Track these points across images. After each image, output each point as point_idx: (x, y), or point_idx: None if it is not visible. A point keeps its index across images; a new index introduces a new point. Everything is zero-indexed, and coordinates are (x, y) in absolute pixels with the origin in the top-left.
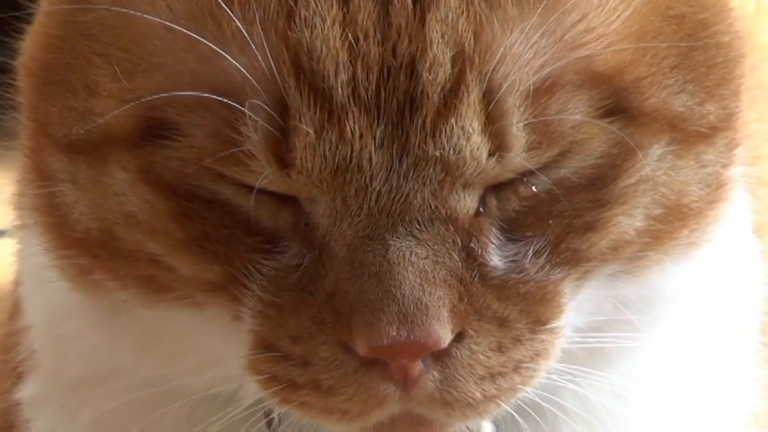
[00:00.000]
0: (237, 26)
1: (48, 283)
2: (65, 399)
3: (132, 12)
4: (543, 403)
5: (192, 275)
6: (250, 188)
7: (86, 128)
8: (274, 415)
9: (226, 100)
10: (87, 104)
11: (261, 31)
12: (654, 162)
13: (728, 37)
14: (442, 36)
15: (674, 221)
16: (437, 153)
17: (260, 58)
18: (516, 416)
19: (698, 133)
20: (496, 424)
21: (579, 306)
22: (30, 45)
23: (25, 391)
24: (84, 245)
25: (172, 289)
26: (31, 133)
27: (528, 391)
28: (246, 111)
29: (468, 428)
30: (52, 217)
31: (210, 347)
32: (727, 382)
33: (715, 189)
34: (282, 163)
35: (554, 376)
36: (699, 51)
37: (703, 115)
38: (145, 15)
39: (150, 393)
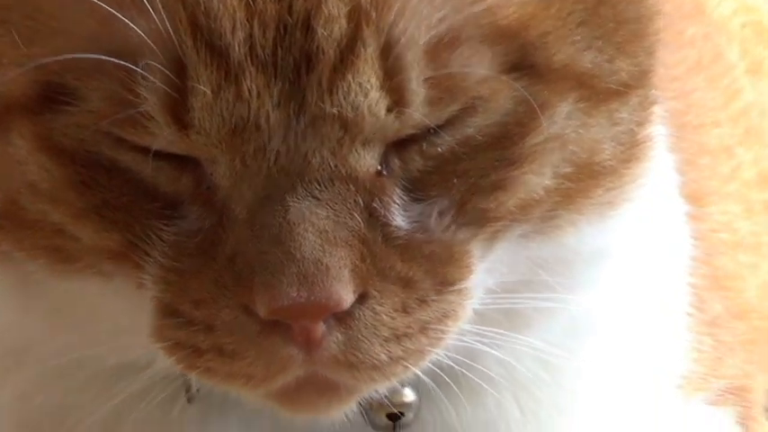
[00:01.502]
0: None
1: None
2: None
3: None
4: (465, 372)
5: (93, 244)
6: (149, 153)
7: None
8: (192, 384)
9: (122, 62)
10: None
11: None
12: (562, 120)
13: None
14: None
15: (585, 180)
16: (334, 110)
17: (156, 19)
18: (437, 389)
19: (609, 90)
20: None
21: (491, 267)
22: None
23: None
24: None
25: (77, 259)
26: None
27: (439, 354)
28: (143, 72)
29: (391, 398)
30: None
31: (121, 317)
32: (655, 345)
33: (630, 148)
34: (180, 123)
35: (468, 339)
36: (606, 6)
37: (614, 72)
38: None
39: (67, 363)
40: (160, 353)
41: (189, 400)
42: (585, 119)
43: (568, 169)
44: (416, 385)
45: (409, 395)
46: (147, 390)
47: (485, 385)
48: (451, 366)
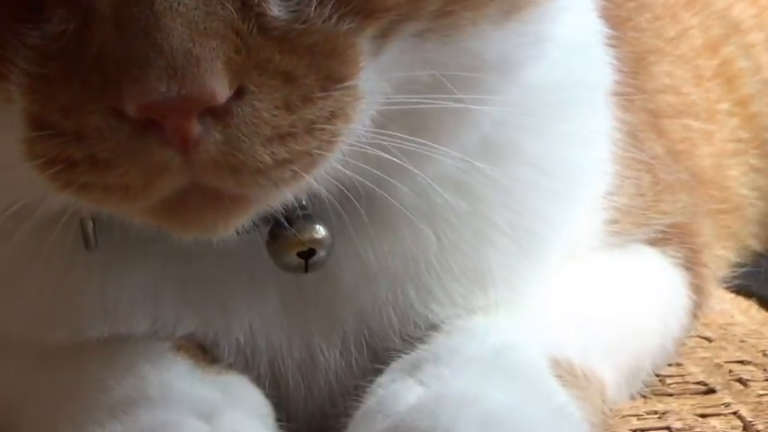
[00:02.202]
0: None
1: None
2: None
3: None
4: (378, 201)
5: None
6: None
7: None
8: (87, 228)
9: None
10: None
11: None
12: None
13: None
14: None
15: None
16: None
17: None
18: (350, 223)
19: None
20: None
21: (385, 69)
22: None
23: None
24: None
25: None
26: None
27: (327, 156)
28: None
29: (301, 235)
30: None
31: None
32: (577, 172)
33: None
34: None
35: (369, 148)
36: None
37: None
38: None
39: None
40: (44, 192)
41: (87, 247)
42: None
43: None
44: (327, 220)
45: (320, 231)
46: (42, 237)
47: (399, 217)
48: (360, 193)
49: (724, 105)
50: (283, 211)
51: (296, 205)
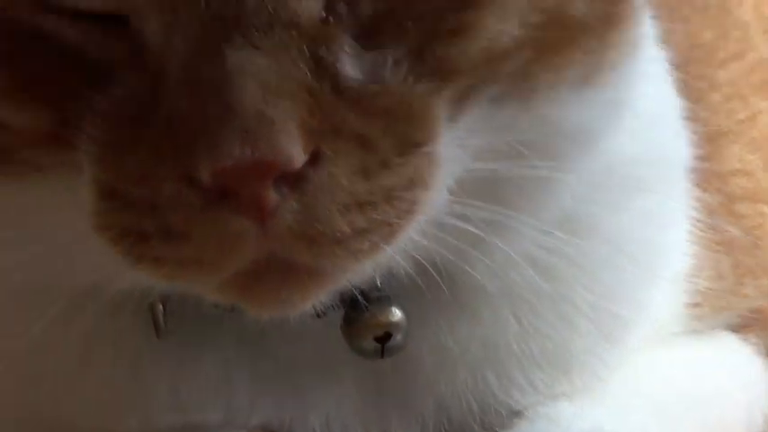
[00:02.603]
0: None
1: None
2: None
3: None
4: (455, 282)
5: (22, 127)
6: (74, 14)
7: None
8: (159, 315)
9: None
10: None
11: None
12: None
13: None
14: None
15: (558, 33)
16: None
17: None
18: (427, 306)
19: None
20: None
21: (463, 135)
22: None
23: None
24: None
25: (10, 152)
26: None
27: (406, 226)
28: None
29: (376, 318)
30: None
31: (64, 223)
32: (658, 253)
33: (608, 4)
34: None
35: (449, 218)
36: None
37: None
38: None
39: (20, 296)
40: (111, 268)
41: (157, 334)
42: None
43: (537, 18)
44: (403, 302)
45: (396, 314)
46: (109, 323)
47: (478, 297)
48: (437, 270)
49: None
50: (358, 293)
51: (371, 287)
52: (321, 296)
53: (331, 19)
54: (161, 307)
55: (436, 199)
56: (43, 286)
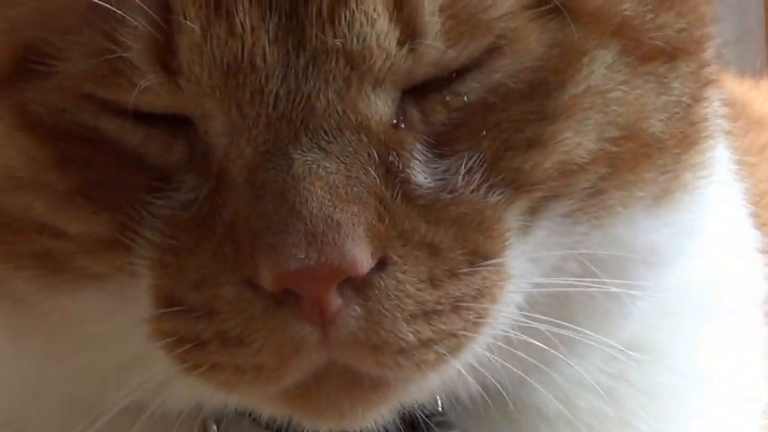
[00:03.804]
0: None
1: None
2: None
3: None
4: (516, 407)
5: (79, 233)
6: (134, 117)
7: None
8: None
9: (100, 2)
10: None
11: None
12: (603, 70)
13: None
14: None
15: (634, 149)
16: (338, 43)
17: None
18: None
19: (654, 47)
20: None
21: (533, 250)
22: None
23: None
24: None
25: (66, 260)
26: None
27: (474, 339)
28: (124, 14)
29: None
30: None
31: (119, 334)
32: (728, 379)
33: (684, 125)
34: (168, 70)
35: (513, 330)
36: None
37: (658, 27)
38: None
39: (63, 410)
40: (172, 390)
41: None
42: (629, 76)
43: (613, 133)
44: (462, 426)
45: None
46: None
47: (540, 422)
48: (500, 390)
49: None
50: (419, 415)
51: (432, 409)
52: (383, 410)
53: (403, 125)
54: (215, 427)
55: (504, 313)
56: (91, 400)
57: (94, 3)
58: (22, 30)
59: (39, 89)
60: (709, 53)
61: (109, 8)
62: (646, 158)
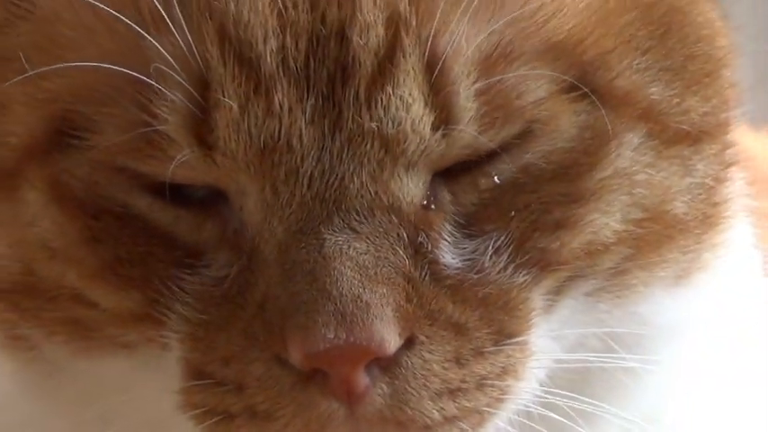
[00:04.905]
0: (156, 7)
1: None
2: None
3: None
4: None
5: (111, 307)
6: (166, 195)
7: None
8: None
9: (139, 75)
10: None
11: (179, 9)
12: (630, 153)
13: (708, 30)
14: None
15: (657, 231)
16: (373, 126)
17: (177, 34)
18: None
19: (679, 131)
20: None
21: (557, 328)
22: None
23: None
24: (8, 295)
25: (97, 329)
26: None
27: (497, 415)
28: (161, 87)
29: None
30: None
31: (148, 401)
32: None
33: (707, 206)
34: (204, 145)
35: (534, 404)
36: (673, 37)
37: (684, 111)
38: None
39: None
40: None
41: None
42: (655, 159)
43: (638, 215)
44: None
45: None
46: None
47: None
48: None
49: None
50: None
51: None
52: None
53: (433, 206)
54: None
55: (526, 388)
56: None
57: (131, 76)
58: (58, 102)
59: (72, 161)
60: (732, 135)
61: (146, 81)
62: (668, 240)
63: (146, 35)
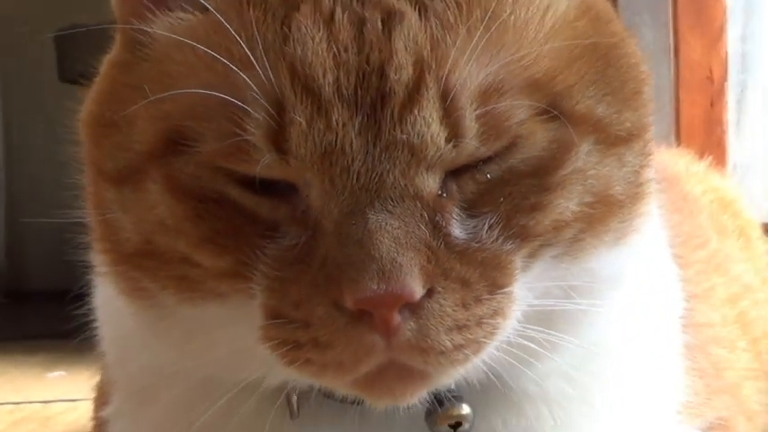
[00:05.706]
0: (244, 51)
1: (115, 312)
2: (132, 406)
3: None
4: (508, 389)
5: (210, 266)
6: (253, 186)
7: (128, 156)
8: (294, 401)
9: (232, 99)
10: (128, 136)
11: (262, 51)
12: (584, 156)
13: (635, 59)
14: (405, 47)
15: (602, 209)
16: (404, 137)
17: (260, 71)
18: (488, 404)
19: (618, 137)
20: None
21: (530, 281)
22: (87, 103)
23: (107, 410)
24: (132, 258)
25: (200, 283)
26: (90, 176)
27: (490, 344)
28: (249, 109)
29: (451, 411)
30: (108, 242)
31: (235, 340)
32: (657, 374)
33: (636, 186)
34: (281, 150)
35: (516, 337)
36: (613, 69)
37: (621, 121)
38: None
39: (193, 387)
40: (270, 372)
41: (291, 417)
42: (601, 158)
43: (590, 199)
44: (471, 402)
45: (465, 408)
46: (258, 408)
47: (524, 399)
48: (496, 380)
49: (741, 343)
50: (440, 392)
51: (448, 388)
52: (425, 392)
53: (445, 195)
54: (295, 397)
55: (511, 324)
56: (215, 384)
57: (226, 100)
58: (171, 119)
59: (182, 162)
60: (650, 133)
61: (237, 104)
62: (611, 214)
63: (238, 71)
